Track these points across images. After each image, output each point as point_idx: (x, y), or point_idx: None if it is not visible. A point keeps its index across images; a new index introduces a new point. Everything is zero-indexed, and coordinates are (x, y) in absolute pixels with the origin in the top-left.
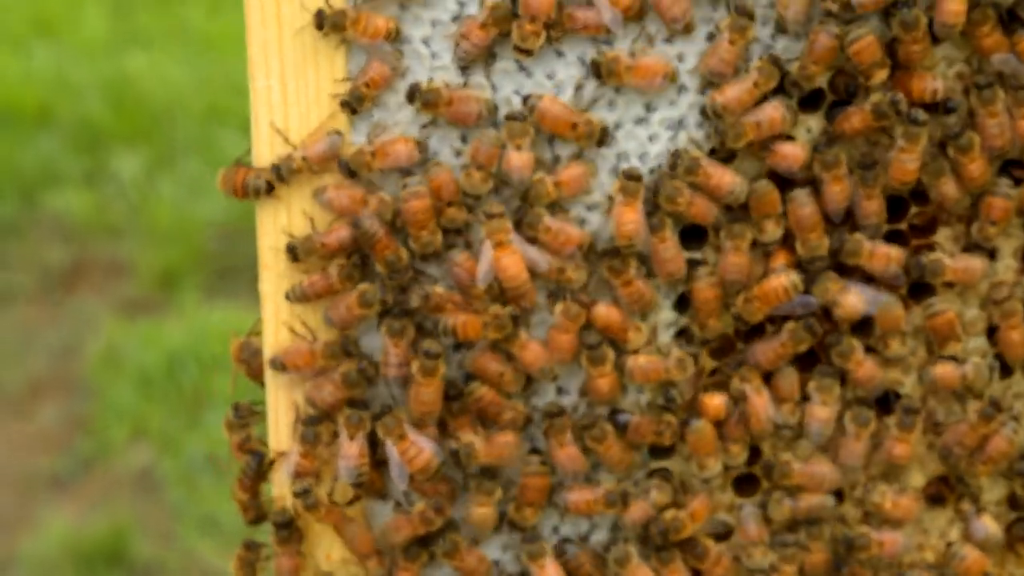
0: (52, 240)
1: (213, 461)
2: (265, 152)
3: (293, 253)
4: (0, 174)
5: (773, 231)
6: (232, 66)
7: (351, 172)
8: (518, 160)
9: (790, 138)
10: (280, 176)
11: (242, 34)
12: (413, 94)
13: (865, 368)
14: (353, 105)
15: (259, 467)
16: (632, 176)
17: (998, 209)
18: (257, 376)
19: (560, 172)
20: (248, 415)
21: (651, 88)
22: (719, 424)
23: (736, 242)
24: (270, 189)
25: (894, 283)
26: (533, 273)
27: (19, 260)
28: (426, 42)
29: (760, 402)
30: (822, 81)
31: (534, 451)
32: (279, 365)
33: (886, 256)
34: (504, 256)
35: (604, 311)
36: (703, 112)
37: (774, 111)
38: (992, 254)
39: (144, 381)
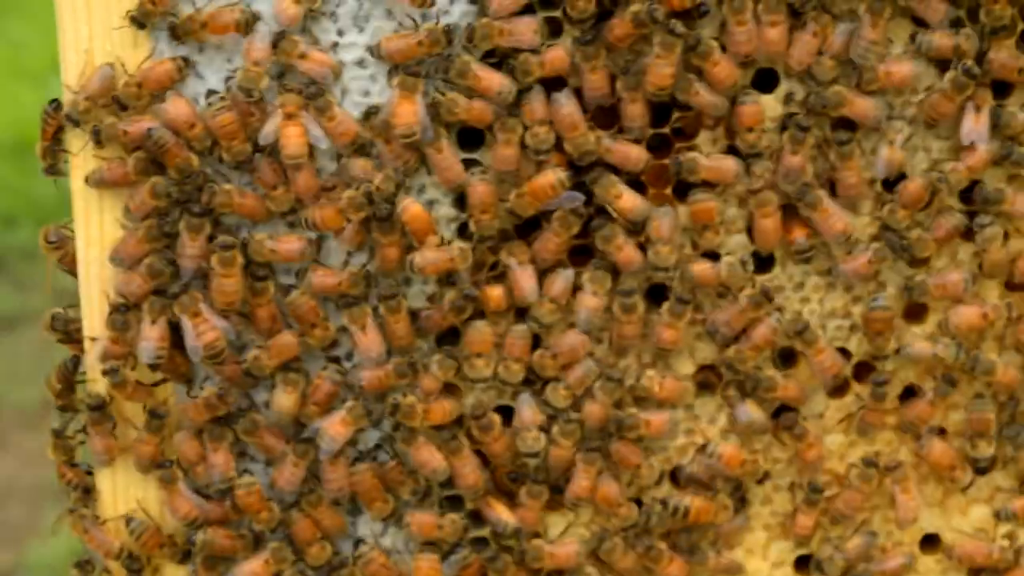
0: None
1: None
2: (72, 57)
3: (97, 136)
4: (17, 202)
5: (545, 136)
6: None
7: (123, 106)
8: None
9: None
10: (75, 121)
11: None
12: (174, 30)
13: (626, 252)
14: (140, 20)
15: (76, 364)
16: (411, 72)
17: (748, 116)
18: (71, 266)
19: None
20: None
21: None
22: (499, 315)
23: (508, 135)
24: (77, 123)
25: (634, 177)
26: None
27: (35, 283)
28: None
29: (523, 276)
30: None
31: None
32: (118, 260)
33: (624, 153)
34: (289, 126)
35: (415, 209)
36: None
37: (527, 27)
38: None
39: None
